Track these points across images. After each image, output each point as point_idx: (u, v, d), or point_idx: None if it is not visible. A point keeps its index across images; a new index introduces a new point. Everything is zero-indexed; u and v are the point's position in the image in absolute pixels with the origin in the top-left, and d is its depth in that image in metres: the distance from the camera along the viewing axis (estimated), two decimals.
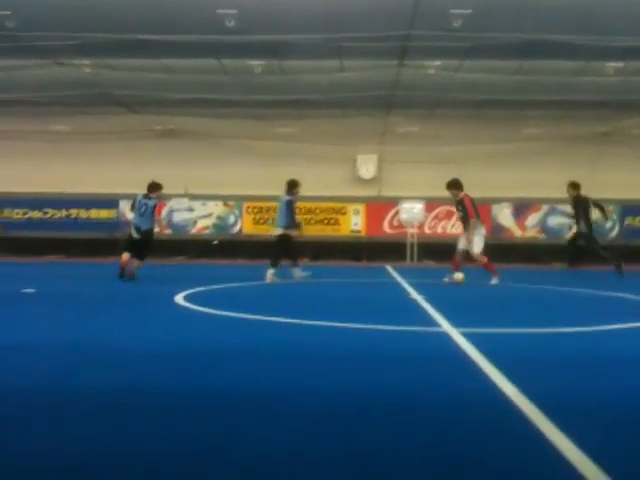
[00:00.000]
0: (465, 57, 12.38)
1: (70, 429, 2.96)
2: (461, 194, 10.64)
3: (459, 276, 10.44)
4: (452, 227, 18.61)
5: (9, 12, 10.51)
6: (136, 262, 10.74)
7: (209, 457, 2.61)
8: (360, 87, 14.14)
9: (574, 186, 11.74)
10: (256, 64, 13.15)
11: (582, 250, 11.91)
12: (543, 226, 18.93)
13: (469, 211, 10.50)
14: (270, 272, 10.93)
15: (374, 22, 10.63)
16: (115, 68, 13.28)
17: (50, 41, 11.45)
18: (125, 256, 10.72)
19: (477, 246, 10.47)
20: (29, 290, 8.89)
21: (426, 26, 10.74)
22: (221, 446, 2.74)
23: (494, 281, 10.48)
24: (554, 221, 18.66)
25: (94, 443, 2.77)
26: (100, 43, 11.62)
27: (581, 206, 11.72)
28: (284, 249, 11.15)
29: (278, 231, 11.20)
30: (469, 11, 10.21)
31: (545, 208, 18.85)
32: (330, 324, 6.07)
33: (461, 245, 10.63)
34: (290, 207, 11.19)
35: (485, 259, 10.60)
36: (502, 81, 13.59)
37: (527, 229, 19.01)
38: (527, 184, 17.84)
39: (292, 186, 11.27)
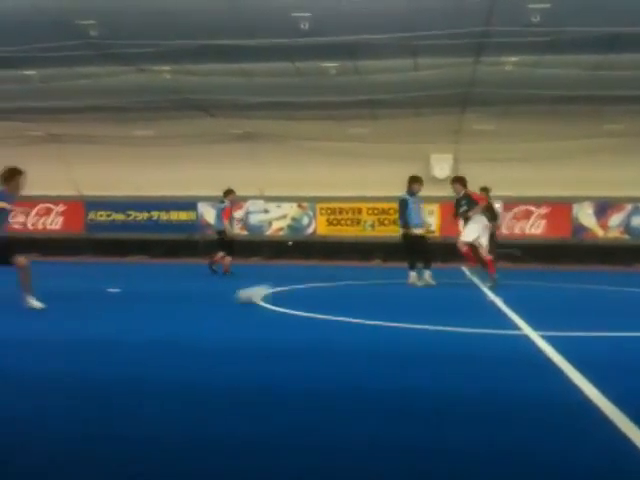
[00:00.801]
0: (544, 52, 12.09)
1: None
2: (463, 191, 10.34)
3: (493, 277, 10.10)
4: (531, 227, 18.22)
5: (94, 22, 10.97)
6: (227, 259, 12.65)
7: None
8: (434, 85, 14.01)
9: None
10: (330, 65, 13.25)
11: None
12: (627, 226, 18.24)
13: (477, 200, 10.26)
14: (412, 274, 10.62)
15: (450, 19, 10.52)
16: (194, 73, 13.63)
17: (132, 49, 11.87)
18: (218, 254, 12.88)
19: (470, 235, 10.10)
20: (114, 290, 9.29)
21: (503, 22, 10.55)
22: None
23: (489, 284, 9.96)
24: (638, 221, 18.08)
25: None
26: (180, 49, 11.97)
27: None
28: (418, 250, 10.68)
29: (417, 231, 10.77)
30: (547, 5, 9.97)
31: (629, 207, 18.17)
32: (412, 326, 6.05)
33: (479, 242, 10.15)
34: (412, 206, 10.75)
35: (490, 257, 10.19)
36: (582, 76, 13.19)
37: (610, 229, 18.35)
38: (609, 182, 17.20)
39: (412, 182, 10.87)
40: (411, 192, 10.84)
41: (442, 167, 18.43)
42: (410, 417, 3.16)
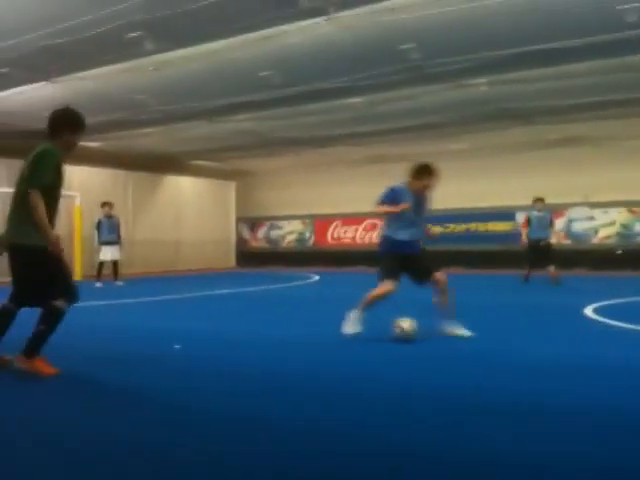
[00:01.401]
0: None
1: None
2: None
3: None
4: None
5: (414, 45, 11.53)
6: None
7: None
8: None
9: None
10: None
11: None
12: (567, 231, 17.17)
13: None
14: None
15: None
16: (508, 82, 13.50)
17: (449, 66, 12.20)
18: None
19: None
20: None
21: None
22: None
23: None
24: (578, 226, 17.86)
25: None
26: (493, 60, 11.97)
27: None
28: None
29: None
30: None
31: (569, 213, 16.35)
32: None
33: None
34: None
35: None
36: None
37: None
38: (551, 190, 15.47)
39: None
40: None
41: None
42: None
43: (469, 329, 6.63)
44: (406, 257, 6.78)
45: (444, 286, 6.73)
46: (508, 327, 7.47)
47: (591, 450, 3.04)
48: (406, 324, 6.54)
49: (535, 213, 14.20)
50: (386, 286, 6.74)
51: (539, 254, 13.85)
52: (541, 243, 13.95)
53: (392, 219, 6.87)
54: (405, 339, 6.40)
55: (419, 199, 6.85)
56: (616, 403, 3.85)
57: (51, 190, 5.04)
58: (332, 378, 4.89)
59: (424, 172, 6.83)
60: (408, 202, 6.67)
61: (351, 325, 6.75)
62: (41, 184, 4.92)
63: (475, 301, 10.21)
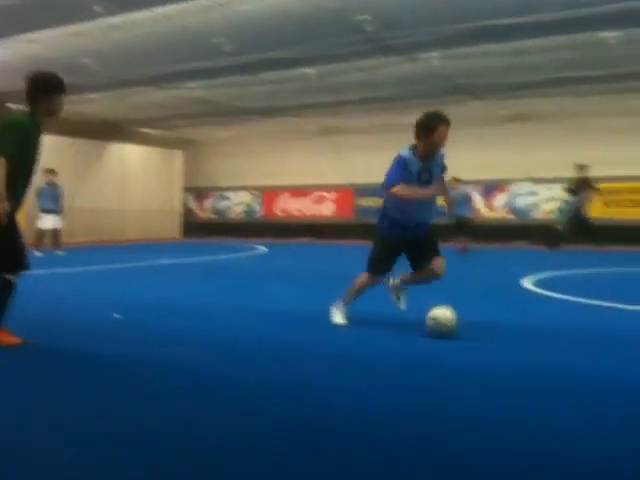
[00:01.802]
0: None
1: None
2: None
3: None
4: None
5: (369, 17, 11.43)
6: None
7: None
8: None
9: None
10: (610, 35, 12.28)
11: None
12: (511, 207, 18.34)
13: None
14: None
15: None
16: (462, 57, 13.55)
17: (403, 39, 12.16)
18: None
19: None
20: None
21: None
22: None
23: None
24: (521, 201, 18.43)
25: None
26: (449, 35, 11.98)
27: None
28: None
29: None
30: None
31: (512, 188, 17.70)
32: None
33: None
34: None
35: None
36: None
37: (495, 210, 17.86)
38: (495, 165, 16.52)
39: None
40: None
41: None
42: None
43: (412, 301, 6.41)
44: (408, 241, 5.54)
45: (439, 277, 5.60)
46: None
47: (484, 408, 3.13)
48: (444, 313, 5.20)
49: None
50: (366, 278, 5.74)
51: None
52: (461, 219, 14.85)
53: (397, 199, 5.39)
54: (441, 333, 5.14)
55: (430, 165, 5.37)
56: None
57: (18, 162, 4.76)
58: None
59: (434, 124, 5.23)
60: (435, 186, 5.39)
61: (339, 315, 5.81)
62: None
63: None
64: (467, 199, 15.58)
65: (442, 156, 5.47)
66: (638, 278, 10.09)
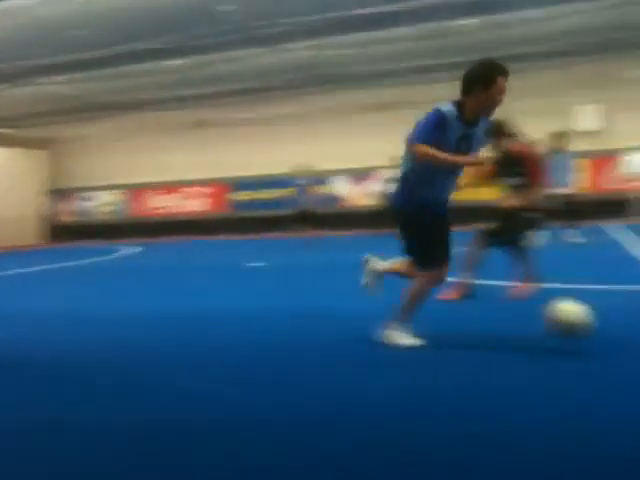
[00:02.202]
0: None
1: None
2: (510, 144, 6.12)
3: None
4: None
5: (234, 7, 11.33)
6: None
7: None
8: (579, 32, 13.30)
9: None
10: (467, 23, 12.89)
11: None
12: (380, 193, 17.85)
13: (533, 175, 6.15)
14: None
15: None
16: (329, 47, 13.70)
17: (269, 29, 12.16)
18: None
19: None
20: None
21: None
22: None
23: None
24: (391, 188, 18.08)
25: None
26: (315, 25, 12.08)
27: None
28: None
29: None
30: None
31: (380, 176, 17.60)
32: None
33: None
34: None
35: None
36: None
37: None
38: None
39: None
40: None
41: (587, 118, 17.57)
42: None
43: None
44: (442, 219, 4.38)
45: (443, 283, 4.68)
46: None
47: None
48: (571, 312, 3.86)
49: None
50: (424, 280, 4.29)
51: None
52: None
53: (427, 166, 4.07)
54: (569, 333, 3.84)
55: (471, 133, 4.10)
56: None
57: None
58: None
59: (493, 74, 3.96)
60: (478, 153, 4.31)
61: (405, 338, 4.25)
62: None
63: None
64: None
65: (486, 124, 4.24)
66: None
